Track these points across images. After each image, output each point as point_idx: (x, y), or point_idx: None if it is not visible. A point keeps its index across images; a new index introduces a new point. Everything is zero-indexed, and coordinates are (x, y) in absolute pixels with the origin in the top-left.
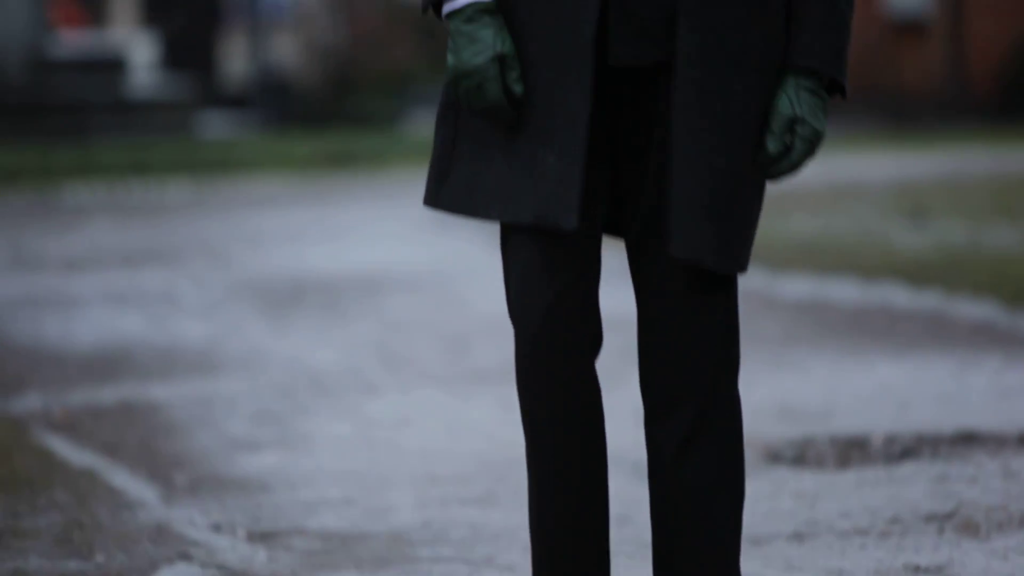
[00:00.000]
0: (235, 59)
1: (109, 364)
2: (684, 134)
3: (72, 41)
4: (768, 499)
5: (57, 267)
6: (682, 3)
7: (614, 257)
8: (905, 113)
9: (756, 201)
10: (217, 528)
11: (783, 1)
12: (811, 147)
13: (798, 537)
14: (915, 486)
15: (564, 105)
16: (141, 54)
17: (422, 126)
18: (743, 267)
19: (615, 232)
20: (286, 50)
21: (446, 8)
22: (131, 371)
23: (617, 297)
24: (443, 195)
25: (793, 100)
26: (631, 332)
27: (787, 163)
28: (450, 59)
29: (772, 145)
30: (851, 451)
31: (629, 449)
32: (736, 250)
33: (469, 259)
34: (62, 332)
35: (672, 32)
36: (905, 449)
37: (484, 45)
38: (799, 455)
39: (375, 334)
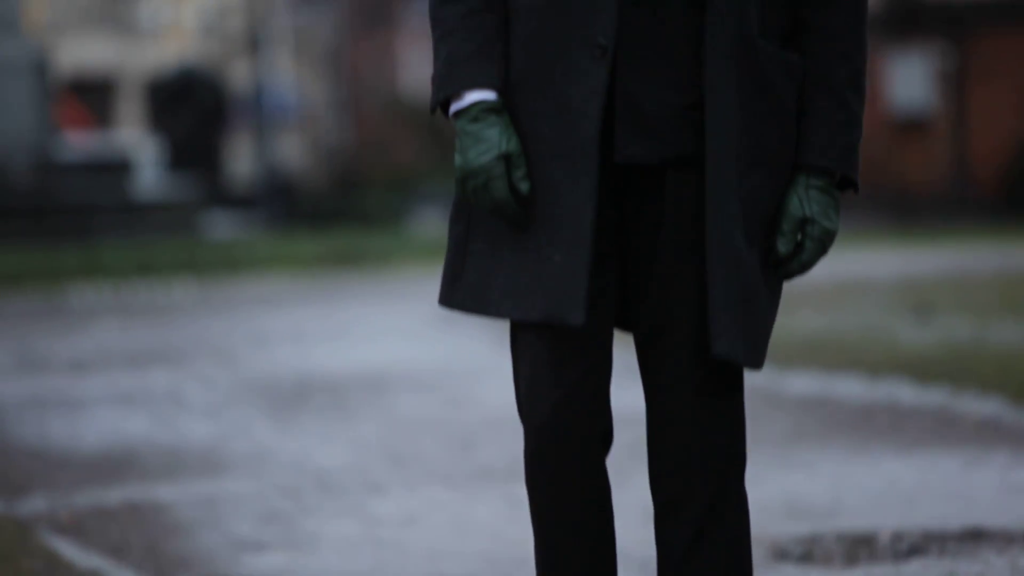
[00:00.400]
0: (241, 159)
1: (115, 465)
2: (719, 231)
3: (78, 143)
4: None
5: (63, 368)
6: (708, 102)
7: (627, 353)
8: (909, 210)
9: (774, 298)
10: None
11: (795, 98)
12: (822, 246)
13: None
14: None
15: (569, 202)
16: (147, 155)
17: (427, 224)
18: (761, 364)
19: (626, 327)
20: (292, 150)
21: (453, 107)
22: (137, 472)
23: (629, 393)
24: (456, 295)
25: (803, 200)
26: (642, 428)
27: (797, 263)
28: (457, 159)
29: (782, 245)
30: (858, 548)
31: (637, 547)
32: (761, 347)
33: (476, 356)
34: (68, 433)
35: (680, 130)
36: (912, 546)
37: (490, 144)
38: (806, 552)
39: (381, 432)
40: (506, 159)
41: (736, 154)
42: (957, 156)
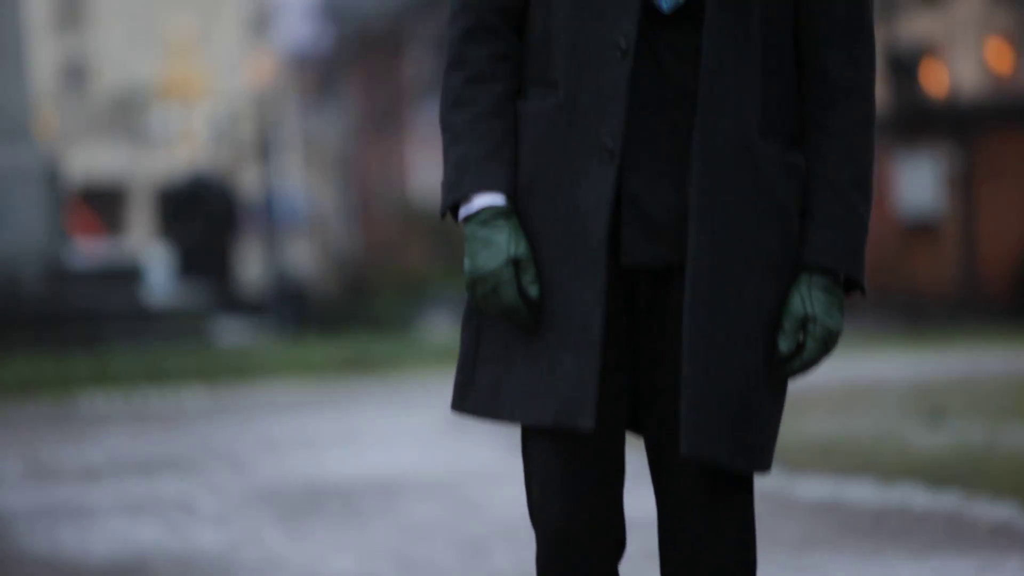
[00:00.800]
0: (251, 265)
1: (125, 574)
2: (694, 332)
3: (89, 251)
4: None
5: (73, 477)
6: (692, 202)
7: (642, 457)
8: (919, 313)
9: (775, 400)
10: None
11: (796, 199)
12: (825, 346)
13: None
14: None
15: (579, 306)
16: (157, 262)
17: (437, 329)
18: (765, 467)
19: (639, 430)
20: (302, 256)
21: (462, 212)
22: None
23: (644, 497)
24: (468, 400)
25: (805, 298)
26: (655, 532)
27: (799, 362)
28: (466, 263)
29: (783, 344)
30: None
31: None
32: (755, 449)
33: (487, 461)
34: (78, 542)
35: (683, 234)
36: None
37: (498, 249)
38: None
39: (392, 539)
40: (515, 263)
41: (728, 255)
42: (966, 258)
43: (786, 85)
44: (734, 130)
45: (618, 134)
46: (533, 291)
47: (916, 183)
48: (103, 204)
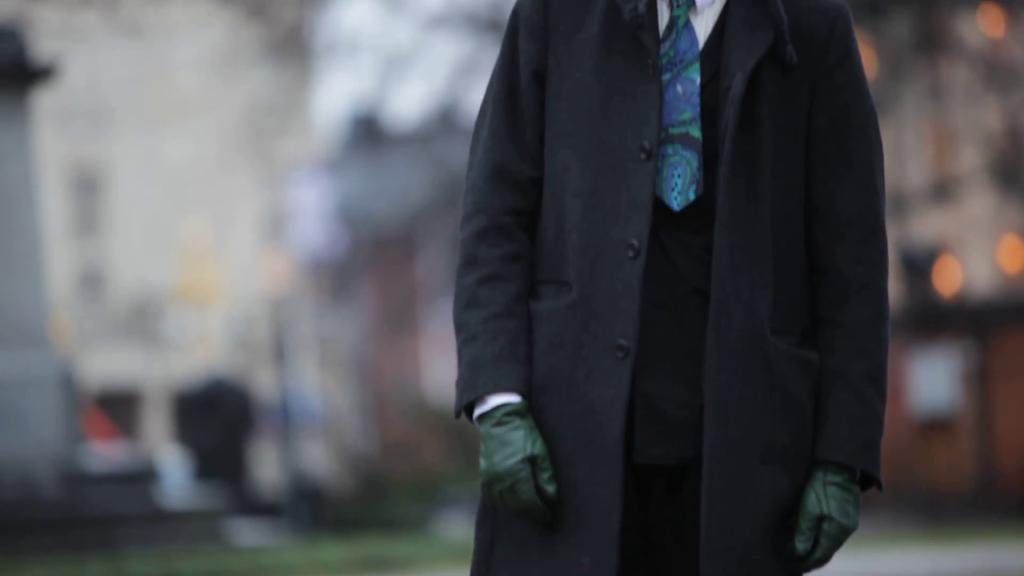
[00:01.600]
0: (267, 466)
1: None
2: (712, 528)
3: (104, 454)
4: None
5: None
6: (707, 399)
7: None
8: (936, 509)
9: None
10: None
11: (810, 395)
12: (838, 543)
13: None
14: None
15: (595, 504)
16: (173, 464)
17: (454, 528)
18: None
19: None
20: (317, 456)
21: (477, 411)
22: None
23: None
24: None
25: (820, 497)
26: None
27: (813, 560)
28: (482, 462)
29: (800, 544)
30: None
31: None
32: None
33: None
34: None
35: (699, 430)
36: None
37: (515, 448)
38: None
39: None
40: (532, 462)
41: (742, 452)
42: (982, 454)
43: (797, 282)
44: (747, 328)
45: (632, 333)
46: (550, 489)
47: (931, 380)
48: (119, 408)
